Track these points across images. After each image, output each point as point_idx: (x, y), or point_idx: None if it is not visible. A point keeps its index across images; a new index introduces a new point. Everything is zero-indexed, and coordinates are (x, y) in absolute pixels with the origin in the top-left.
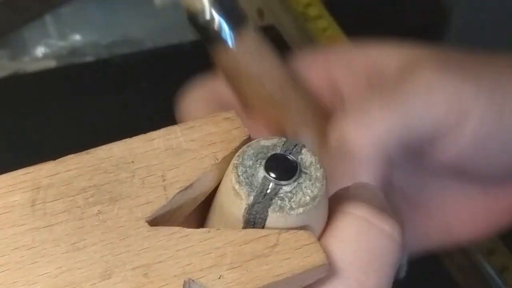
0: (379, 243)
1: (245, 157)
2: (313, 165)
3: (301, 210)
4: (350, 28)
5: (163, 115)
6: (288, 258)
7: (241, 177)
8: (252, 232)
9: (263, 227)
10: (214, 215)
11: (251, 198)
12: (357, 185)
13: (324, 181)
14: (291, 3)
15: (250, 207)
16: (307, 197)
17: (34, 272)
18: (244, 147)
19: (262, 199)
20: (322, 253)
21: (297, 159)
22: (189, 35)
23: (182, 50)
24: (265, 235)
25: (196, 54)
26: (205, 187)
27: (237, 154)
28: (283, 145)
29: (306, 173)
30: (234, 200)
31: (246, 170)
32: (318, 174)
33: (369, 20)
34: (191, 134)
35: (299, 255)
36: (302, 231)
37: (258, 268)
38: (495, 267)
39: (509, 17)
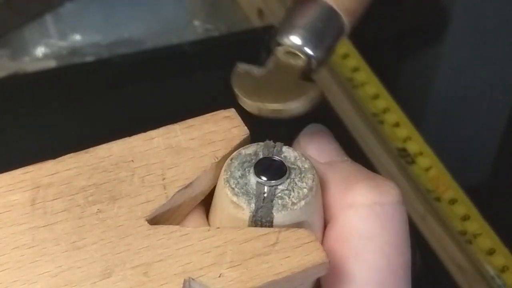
0: (390, 220)
1: (232, 169)
2: (298, 159)
3: (303, 203)
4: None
5: (162, 114)
6: (288, 257)
7: (235, 189)
8: (252, 231)
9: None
10: (215, 220)
11: (253, 205)
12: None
13: (314, 170)
14: None
15: (254, 214)
16: (304, 189)
17: (34, 271)
18: (228, 161)
19: (263, 203)
20: (322, 252)
21: (281, 157)
22: (189, 35)
23: (182, 50)
24: (265, 234)
25: (196, 54)
26: (205, 186)
27: (223, 169)
28: (263, 149)
29: (294, 168)
30: (235, 212)
31: (238, 182)
32: (306, 165)
33: (369, 20)
34: (190, 133)
35: (299, 253)
36: (302, 229)
37: (258, 267)
38: (495, 267)
39: (509, 17)
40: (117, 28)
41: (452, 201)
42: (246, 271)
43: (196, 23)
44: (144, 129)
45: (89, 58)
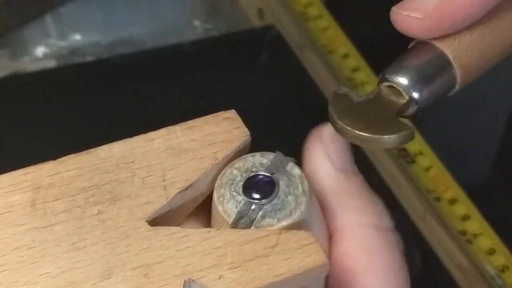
0: (391, 242)
1: (229, 175)
2: (297, 179)
3: (284, 223)
4: (350, 28)
5: (162, 114)
6: (288, 258)
7: (220, 198)
8: (252, 232)
9: None
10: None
11: (233, 218)
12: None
13: (304, 198)
14: (291, 3)
15: (235, 224)
16: (287, 210)
17: (35, 272)
18: (232, 168)
19: (244, 218)
20: (322, 253)
21: (284, 172)
22: (189, 35)
23: (182, 50)
24: (266, 235)
25: (196, 54)
26: (205, 187)
27: (222, 172)
28: (272, 161)
29: (287, 185)
30: (221, 222)
31: (223, 194)
32: (301, 190)
33: (369, 20)
34: (191, 134)
35: (299, 255)
36: (302, 231)
37: (258, 268)
38: (495, 267)
39: None
40: (117, 28)
41: (452, 201)
42: (246, 272)
43: (196, 23)
44: (144, 129)
45: (89, 58)
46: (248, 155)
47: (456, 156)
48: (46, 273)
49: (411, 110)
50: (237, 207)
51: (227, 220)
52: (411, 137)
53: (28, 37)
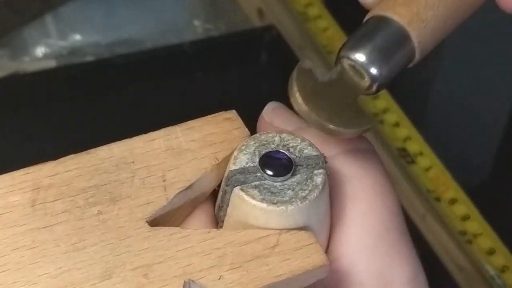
0: (368, 160)
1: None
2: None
3: (262, 205)
4: (350, 28)
5: (162, 114)
6: (288, 259)
7: (243, 146)
8: (252, 233)
9: (229, 199)
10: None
11: (236, 168)
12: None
13: (315, 192)
14: (291, 3)
15: (231, 173)
16: (276, 199)
17: (34, 272)
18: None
19: (241, 175)
20: (322, 254)
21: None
22: (189, 35)
23: (182, 50)
24: (265, 236)
25: (196, 54)
26: (206, 187)
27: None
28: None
29: (303, 169)
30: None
31: (249, 145)
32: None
33: None
34: (191, 134)
35: (299, 255)
36: (302, 232)
37: (258, 269)
38: (495, 267)
39: (509, 17)
40: (117, 28)
41: (452, 201)
42: (246, 273)
43: (196, 23)
44: (144, 129)
45: (89, 58)
46: (301, 137)
47: (456, 156)
48: (46, 273)
49: (373, 89)
50: (247, 164)
51: (231, 167)
52: (367, 130)
53: (28, 37)
